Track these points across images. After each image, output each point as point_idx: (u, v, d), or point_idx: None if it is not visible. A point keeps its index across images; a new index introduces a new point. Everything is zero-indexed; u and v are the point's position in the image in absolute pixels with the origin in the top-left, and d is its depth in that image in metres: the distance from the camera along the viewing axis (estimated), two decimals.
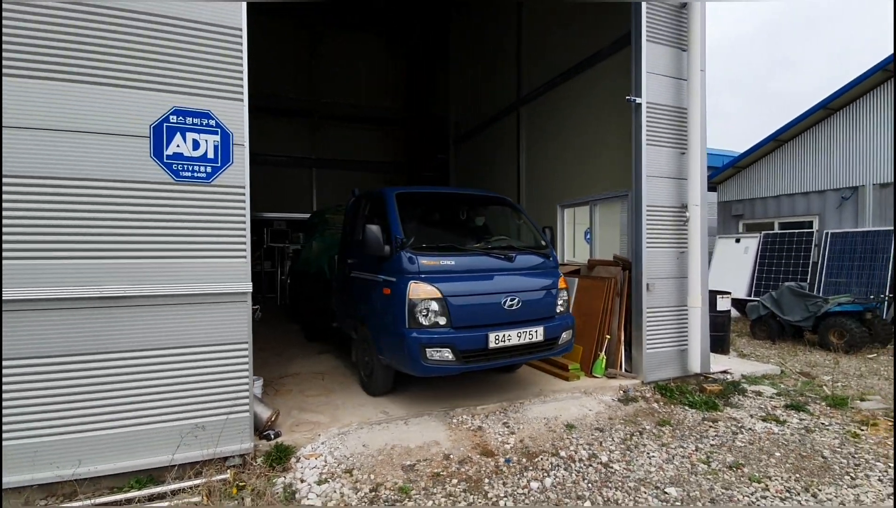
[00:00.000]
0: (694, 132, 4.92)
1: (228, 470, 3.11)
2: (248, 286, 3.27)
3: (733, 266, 10.82)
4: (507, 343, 3.98)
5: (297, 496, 2.95)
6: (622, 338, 5.30)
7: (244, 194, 3.28)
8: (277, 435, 3.60)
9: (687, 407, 4.46)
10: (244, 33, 3.25)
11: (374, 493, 2.97)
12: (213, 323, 3.14)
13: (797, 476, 3.21)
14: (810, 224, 10.37)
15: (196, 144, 3.14)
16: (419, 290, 3.79)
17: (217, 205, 3.19)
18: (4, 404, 2.71)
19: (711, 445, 3.68)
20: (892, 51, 8.91)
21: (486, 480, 3.13)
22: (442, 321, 3.83)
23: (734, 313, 9.19)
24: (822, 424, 4.13)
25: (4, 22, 2.67)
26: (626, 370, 5.21)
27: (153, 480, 2.99)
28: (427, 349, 3.71)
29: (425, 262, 3.90)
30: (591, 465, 3.34)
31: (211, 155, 3.18)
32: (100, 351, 2.87)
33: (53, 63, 2.77)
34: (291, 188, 12.89)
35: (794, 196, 10.75)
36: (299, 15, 12.65)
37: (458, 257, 4.11)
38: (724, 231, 12.02)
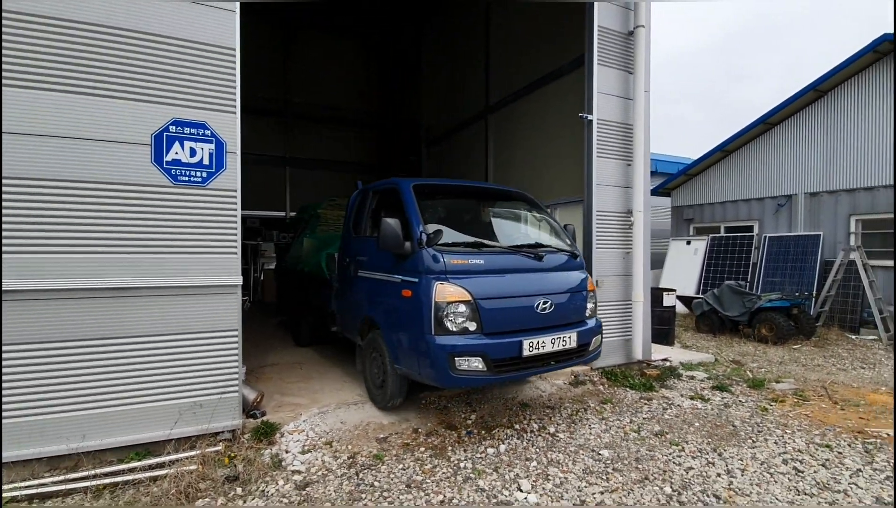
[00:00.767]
0: (638, 146, 5.55)
1: (220, 444, 3.49)
2: (239, 280, 3.65)
3: (684, 266, 11.75)
4: (541, 350, 3.62)
5: (283, 463, 3.35)
6: None
7: (236, 197, 3.66)
8: (263, 414, 3.99)
9: (628, 389, 5.07)
10: (237, 53, 3.63)
11: (351, 460, 3.41)
12: (207, 312, 3.51)
13: (709, 440, 3.84)
14: (751, 228, 11.34)
15: (193, 152, 3.49)
16: (446, 292, 3.38)
17: (211, 206, 3.55)
18: (16, 384, 3.01)
19: (643, 418, 4.28)
20: (818, 75, 9.93)
21: (450, 448, 3.61)
22: (472, 326, 3.44)
23: (683, 308, 10.04)
24: (740, 401, 4.81)
25: (23, 37, 2.97)
26: None
27: (151, 453, 3.33)
28: (456, 359, 3.32)
29: (453, 261, 3.51)
30: (539, 435, 3.88)
31: (206, 162, 3.54)
32: (107, 336, 3.21)
33: (65, 76, 3.09)
34: (264, 187, 13.06)
35: (738, 202, 11.71)
36: (275, 16, 12.86)
37: (487, 256, 3.72)
38: (676, 234, 12.93)
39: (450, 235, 3.78)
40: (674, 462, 3.44)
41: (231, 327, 3.62)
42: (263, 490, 3.00)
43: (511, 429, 3.97)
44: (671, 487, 3.09)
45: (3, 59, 2.94)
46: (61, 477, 2.99)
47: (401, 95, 13.55)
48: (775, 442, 3.83)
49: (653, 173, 16.14)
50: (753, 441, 3.83)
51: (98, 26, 3.17)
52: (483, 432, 3.92)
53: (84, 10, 3.12)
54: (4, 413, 2.98)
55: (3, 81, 2.94)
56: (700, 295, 9.96)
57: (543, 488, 3.05)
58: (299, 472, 3.24)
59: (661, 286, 9.34)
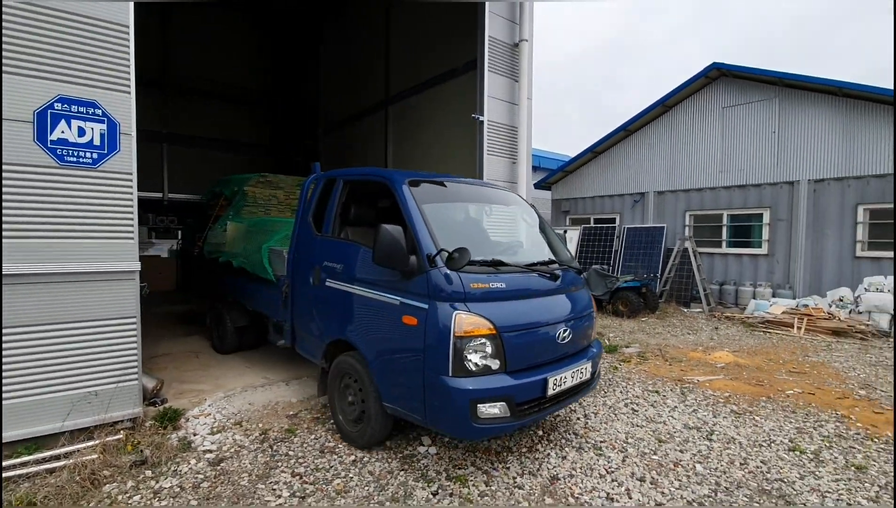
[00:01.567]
0: (522, 147, 6.30)
1: (121, 432, 3.43)
2: (137, 265, 3.57)
3: None
4: (563, 387, 3.12)
5: (192, 445, 3.42)
6: None
7: (131, 180, 3.55)
8: (164, 402, 3.95)
9: None
10: (132, 30, 3.50)
11: (263, 436, 3.59)
12: (104, 299, 3.39)
13: None
14: (614, 220, 13.16)
15: (82, 131, 3.32)
16: (469, 323, 2.70)
17: (104, 190, 3.42)
18: None
19: None
20: (669, 89, 11.81)
21: None
22: (494, 364, 2.79)
23: None
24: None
25: None
26: None
27: (43, 447, 3.18)
28: (479, 406, 2.69)
29: (473, 285, 2.83)
30: None
31: (97, 142, 3.39)
32: None
33: None
34: (138, 165, 11.84)
35: (604, 197, 13.48)
36: None
37: (507, 277, 3.04)
38: (555, 224, 14.45)
39: (448, 246, 2.91)
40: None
41: (129, 314, 3.54)
42: (175, 470, 3.08)
43: None
44: (542, 430, 3.80)
45: None
46: None
47: (298, 76, 13.12)
48: (621, 391, 4.80)
49: (535, 169, 17.71)
50: (605, 393, 4.76)
51: None
52: None
53: None
54: None
55: None
56: None
57: (441, 441, 3.56)
58: (210, 451, 3.35)
59: None
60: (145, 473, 3.03)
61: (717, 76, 11.30)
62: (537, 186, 14.77)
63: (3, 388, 3.05)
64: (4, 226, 3.03)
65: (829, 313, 8.35)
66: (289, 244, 4.20)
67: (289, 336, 4.17)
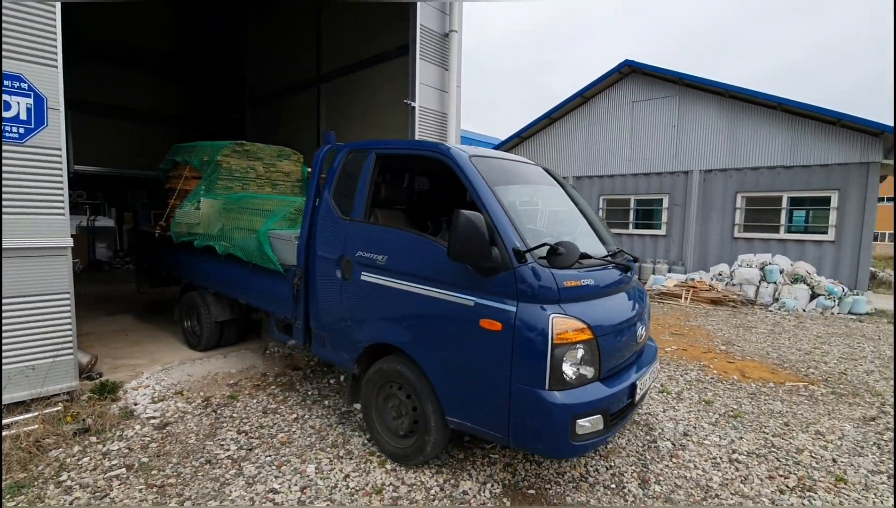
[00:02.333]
0: (451, 132, 6.74)
1: (59, 405, 3.51)
2: (69, 242, 3.59)
3: None
4: (644, 390, 2.88)
5: (135, 413, 3.59)
6: None
7: (60, 155, 3.54)
8: (100, 375, 4.02)
9: None
10: (58, 4, 3.45)
11: (206, 402, 3.82)
12: (38, 275, 3.41)
13: None
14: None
15: (7, 105, 3.28)
16: (567, 327, 2.37)
17: (32, 165, 3.40)
18: None
19: None
20: (596, 76, 12.76)
21: (298, 383, 4.29)
22: (589, 372, 2.46)
23: None
24: None
25: None
26: None
27: None
28: (578, 421, 2.37)
29: (567, 282, 2.47)
30: None
31: (24, 117, 3.36)
32: None
33: None
34: None
35: None
36: None
37: (594, 272, 2.70)
38: None
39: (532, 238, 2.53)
40: None
41: (62, 289, 3.58)
42: (121, 435, 3.26)
43: None
44: None
45: None
46: None
47: (221, 43, 12.50)
48: None
49: None
50: None
51: None
52: (325, 368, 4.67)
53: None
54: None
55: None
56: None
57: None
58: (154, 418, 3.55)
59: None
60: (90, 439, 3.19)
61: (629, 72, 12.38)
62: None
63: None
64: None
65: (710, 286, 9.78)
66: (296, 228, 3.64)
67: (301, 336, 3.58)
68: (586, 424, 2.38)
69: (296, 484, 2.75)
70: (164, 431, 3.35)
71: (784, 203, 10.40)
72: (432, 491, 2.72)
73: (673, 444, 3.43)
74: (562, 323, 2.35)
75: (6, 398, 3.31)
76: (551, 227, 3.35)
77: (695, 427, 3.73)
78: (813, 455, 3.36)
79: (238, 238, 4.11)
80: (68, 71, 3.60)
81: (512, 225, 2.49)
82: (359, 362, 3.19)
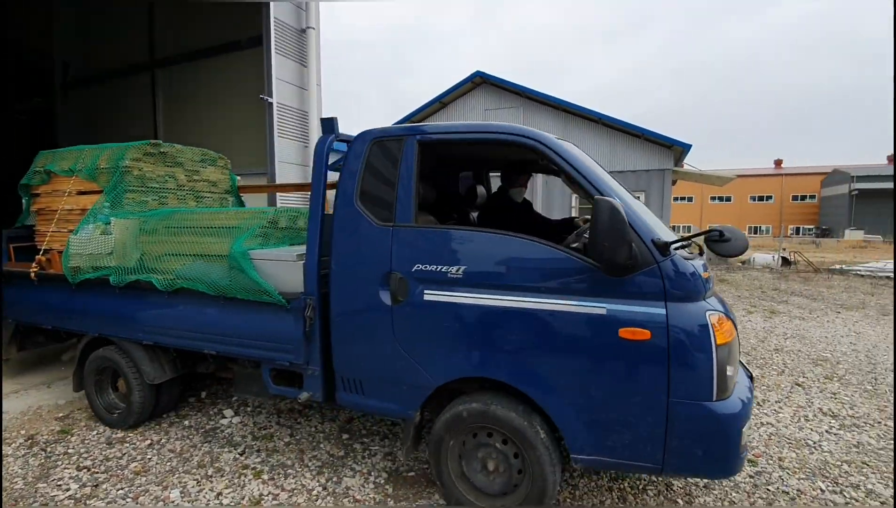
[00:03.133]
0: (312, 131, 6.61)
1: None
2: None
3: None
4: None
5: None
6: None
7: None
8: None
9: None
10: None
11: (30, 441, 3.24)
12: None
13: None
14: None
15: None
16: (723, 325, 2.06)
17: None
18: None
19: None
20: (460, 79, 13.46)
21: None
22: (735, 373, 2.16)
23: None
24: None
25: None
26: None
27: None
28: (743, 430, 2.07)
29: (705, 275, 2.16)
30: None
31: None
32: None
33: None
34: None
35: None
36: None
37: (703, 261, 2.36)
38: None
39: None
40: None
41: None
42: None
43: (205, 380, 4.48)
44: None
45: None
46: None
47: (18, 13, 10.22)
48: None
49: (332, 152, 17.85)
50: None
51: None
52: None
53: None
54: None
55: None
56: None
57: (245, 411, 3.81)
58: None
59: None
60: None
61: (481, 82, 13.42)
62: (330, 168, 15.00)
63: None
64: None
65: None
66: (274, 245, 3.01)
67: (319, 386, 2.74)
68: (747, 431, 2.09)
69: None
70: None
71: None
72: (314, 492, 2.75)
73: None
74: (718, 321, 2.03)
75: None
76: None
77: None
78: None
79: (190, 267, 3.06)
80: None
81: (640, 213, 2.14)
82: (422, 408, 2.51)
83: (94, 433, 3.41)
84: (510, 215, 3.20)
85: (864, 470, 2.99)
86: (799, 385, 4.49)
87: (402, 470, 2.99)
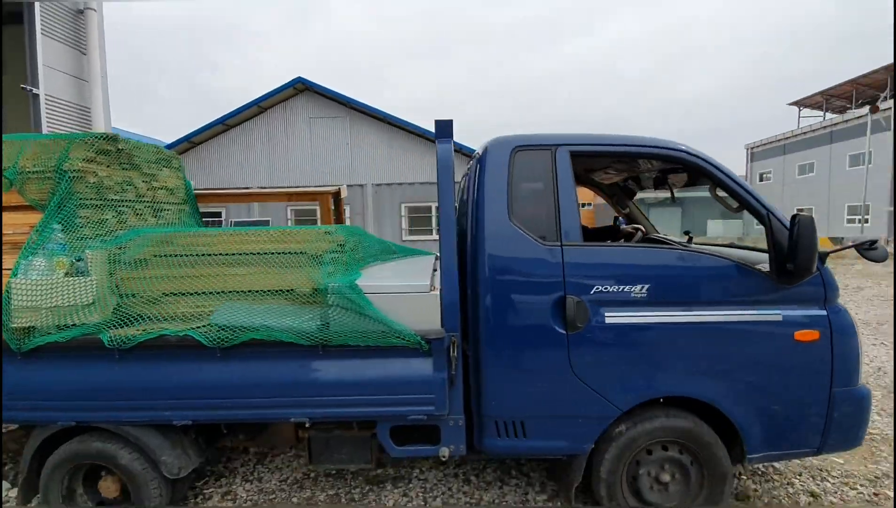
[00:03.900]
0: (97, 130, 5.58)
1: None
2: None
3: None
4: None
5: None
6: None
7: None
8: None
9: None
10: None
11: None
12: None
13: None
14: (220, 214, 13.11)
15: None
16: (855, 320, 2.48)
17: None
18: None
19: None
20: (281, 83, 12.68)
21: None
22: None
23: None
24: None
25: None
26: None
27: None
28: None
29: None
30: None
31: None
32: None
33: None
34: None
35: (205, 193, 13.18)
36: None
37: None
38: None
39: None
40: None
41: None
42: None
43: None
44: None
45: None
46: None
47: None
48: None
49: None
50: None
51: None
52: None
53: None
54: None
55: None
56: None
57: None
58: None
59: None
60: None
61: (304, 89, 13.04)
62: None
63: None
64: None
65: None
66: (351, 274, 2.37)
67: (461, 436, 2.35)
68: None
69: None
70: None
71: (433, 211, 13.18)
72: None
73: None
74: (854, 316, 2.39)
75: None
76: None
77: None
78: None
79: (245, 311, 2.22)
80: None
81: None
82: (602, 438, 2.35)
83: None
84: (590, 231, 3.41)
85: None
86: None
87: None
